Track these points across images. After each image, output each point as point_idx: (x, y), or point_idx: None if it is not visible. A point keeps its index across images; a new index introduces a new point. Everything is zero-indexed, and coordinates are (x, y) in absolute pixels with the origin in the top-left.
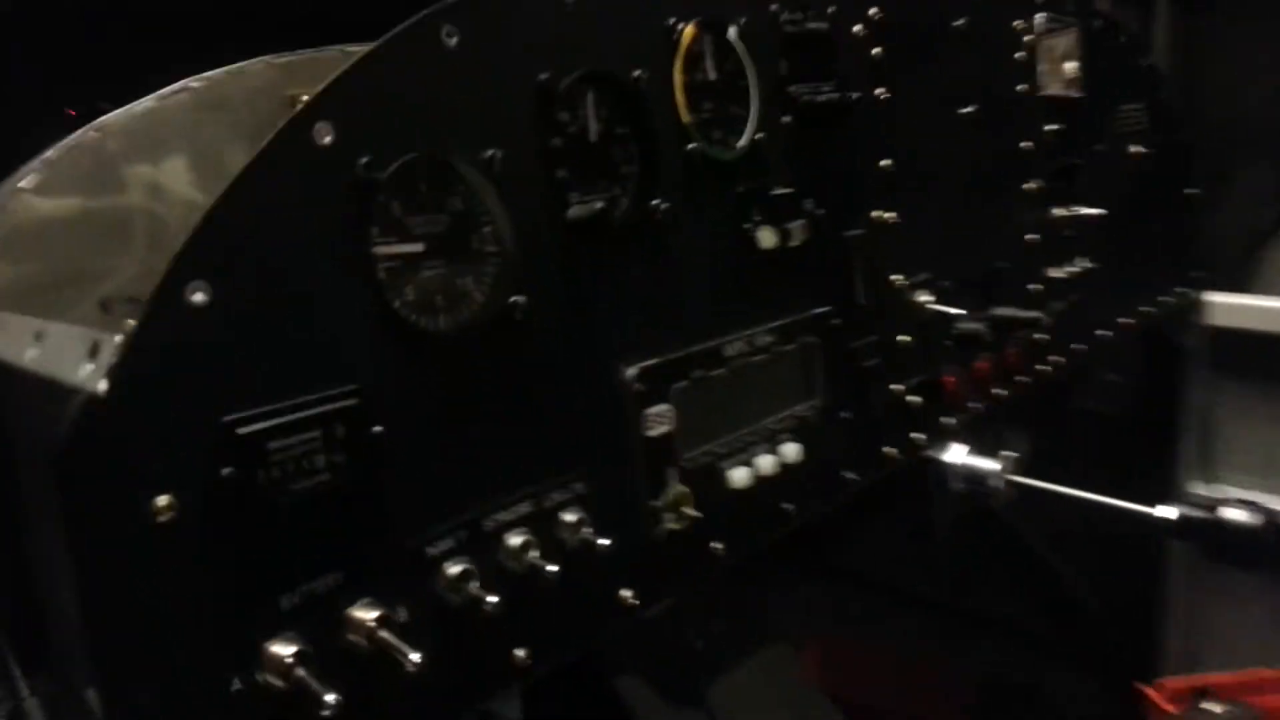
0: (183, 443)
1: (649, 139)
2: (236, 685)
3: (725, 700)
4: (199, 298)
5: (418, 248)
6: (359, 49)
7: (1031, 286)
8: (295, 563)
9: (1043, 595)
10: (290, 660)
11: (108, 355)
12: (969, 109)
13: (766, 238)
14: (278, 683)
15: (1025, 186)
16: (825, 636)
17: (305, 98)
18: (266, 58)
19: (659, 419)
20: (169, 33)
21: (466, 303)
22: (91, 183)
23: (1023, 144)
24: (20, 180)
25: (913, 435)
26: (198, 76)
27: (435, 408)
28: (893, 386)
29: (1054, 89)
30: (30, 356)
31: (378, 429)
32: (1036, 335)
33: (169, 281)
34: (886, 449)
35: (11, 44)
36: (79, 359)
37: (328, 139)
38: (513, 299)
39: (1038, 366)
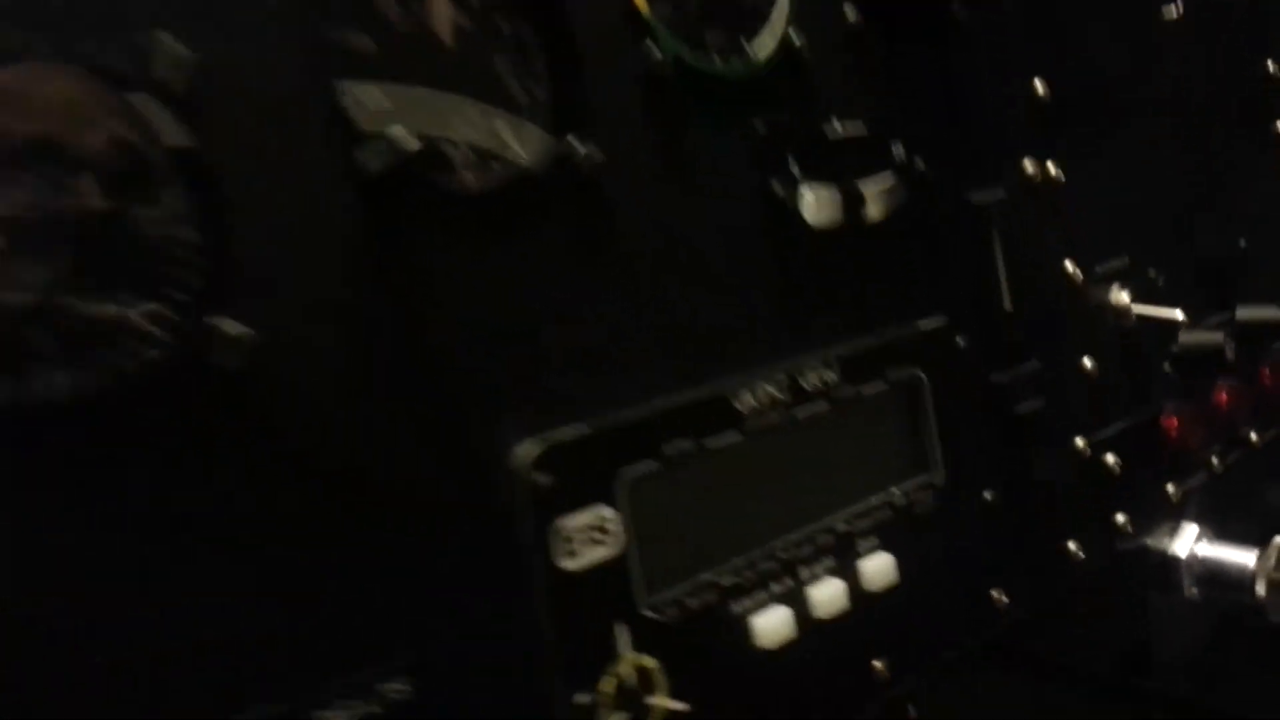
0: None
1: (563, 41)
2: None
3: None
4: None
5: None
6: None
7: None
8: None
9: None
10: None
11: None
12: (1178, 5)
13: (819, 205)
14: None
15: (1277, 126)
16: None
17: None
18: None
19: (590, 535)
20: None
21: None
22: None
23: (1272, 64)
24: None
25: (1115, 517)
26: None
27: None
28: (1075, 441)
29: None
30: None
31: None
32: None
33: None
34: (1069, 544)
35: None
36: None
37: None
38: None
39: None
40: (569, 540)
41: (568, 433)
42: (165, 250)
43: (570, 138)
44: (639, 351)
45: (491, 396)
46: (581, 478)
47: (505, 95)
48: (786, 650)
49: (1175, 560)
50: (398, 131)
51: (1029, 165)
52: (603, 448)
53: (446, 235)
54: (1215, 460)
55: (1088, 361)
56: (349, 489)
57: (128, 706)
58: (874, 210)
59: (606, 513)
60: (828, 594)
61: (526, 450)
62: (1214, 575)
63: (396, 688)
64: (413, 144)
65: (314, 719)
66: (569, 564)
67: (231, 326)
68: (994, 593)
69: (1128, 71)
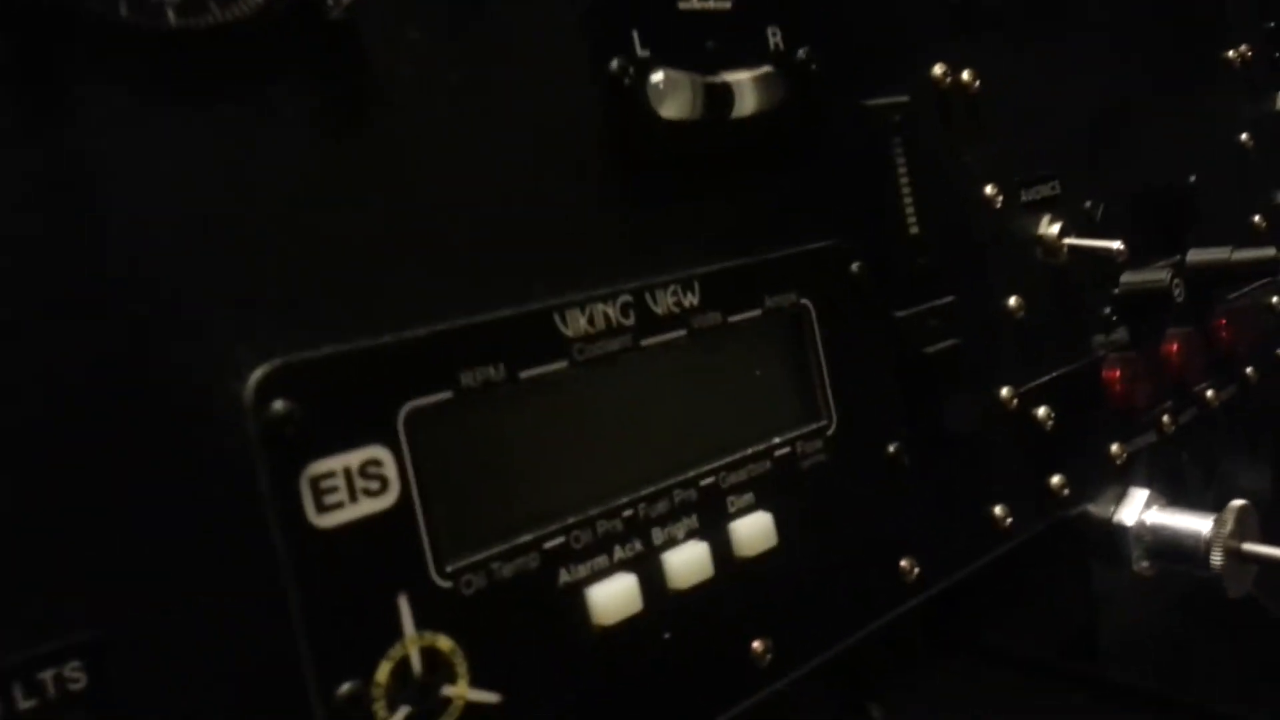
0: None
1: None
2: None
3: None
4: None
5: None
6: None
7: (1255, 218)
8: None
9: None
10: None
11: None
12: None
13: (671, 93)
14: None
15: (1228, 54)
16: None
17: None
18: None
19: (359, 484)
20: None
21: None
22: None
23: None
24: None
25: (1049, 479)
26: None
27: None
28: (998, 391)
29: None
30: None
31: None
32: (1275, 297)
33: None
34: (995, 508)
35: None
36: None
37: None
38: None
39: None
40: (326, 490)
41: (318, 352)
42: None
43: None
44: (421, 262)
45: (214, 315)
46: (342, 410)
47: None
48: (633, 628)
49: (1121, 529)
50: None
51: (938, 68)
52: (370, 372)
53: (135, 93)
54: (1166, 419)
55: (1012, 300)
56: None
57: None
58: (747, 106)
59: (380, 454)
60: (686, 559)
61: (259, 374)
62: (1165, 545)
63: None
64: None
65: None
66: (325, 520)
67: None
68: (902, 562)
69: None
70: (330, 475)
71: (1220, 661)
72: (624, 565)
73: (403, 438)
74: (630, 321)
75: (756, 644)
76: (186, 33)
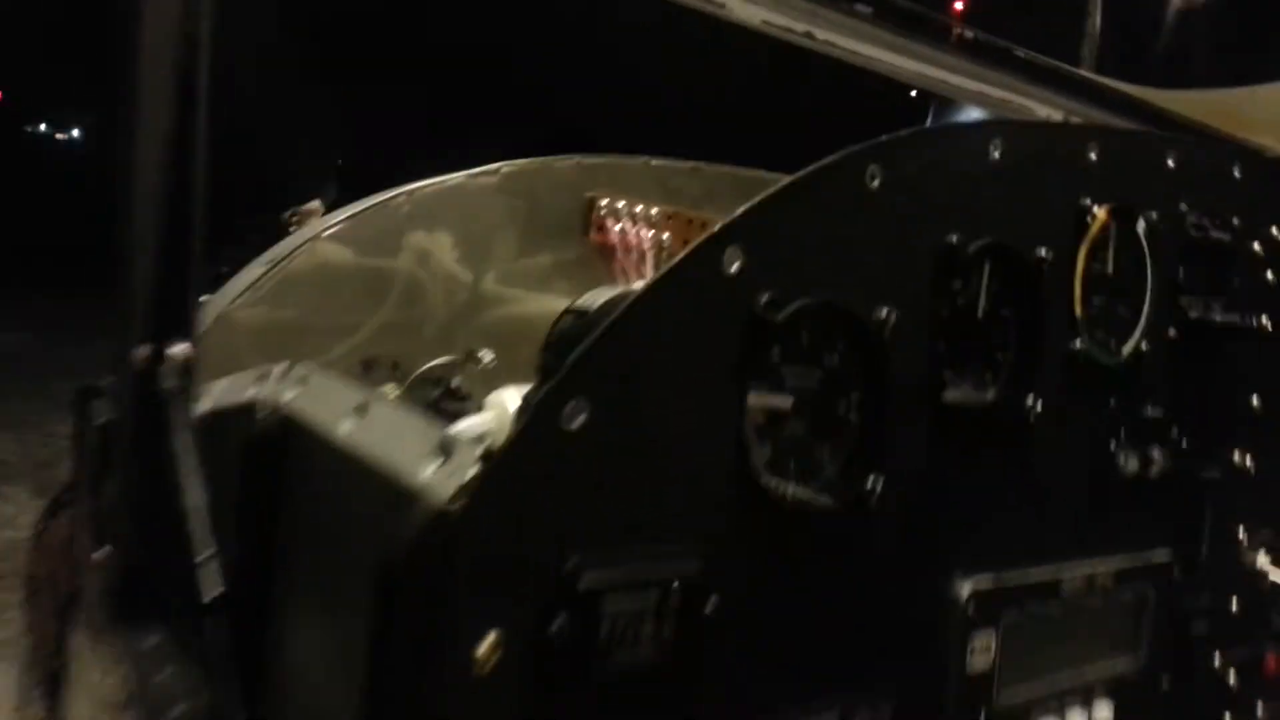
0: (520, 579)
1: (1036, 327)
2: None
3: None
4: (577, 421)
5: (786, 403)
6: (740, 170)
7: None
8: None
9: None
10: None
11: (462, 461)
12: None
13: (1129, 463)
14: None
15: None
16: None
17: (604, 201)
18: (578, 157)
19: (983, 649)
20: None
21: (819, 474)
22: (375, 243)
23: None
24: (326, 228)
25: (1225, 717)
26: (510, 162)
27: (769, 591)
28: (1216, 660)
29: None
30: (348, 430)
31: (712, 603)
32: None
33: (552, 397)
34: None
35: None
36: (422, 455)
37: (735, 267)
38: (871, 479)
39: None
40: (973, 649)
41: (985, 581)
42: None
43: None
44: (1024, 540)
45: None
46: (986, 611)
47: (993, 356)
48: None
49: None
50: None
51: (1239, 456)
52: (999, 595)
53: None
54: None
55: (1235, 603)
56: None
57: None
58: (1155, 470)
59: (990, 638)
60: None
61: (967, 588)
62: None
63: None
64: None
65: None
66: (972, 666)
67: None
68: None
69: None
70: (980, 642)
71: None
72: (1056, 713)
73: (1003, 628)
74: (1086, 587)
75: None
76: None
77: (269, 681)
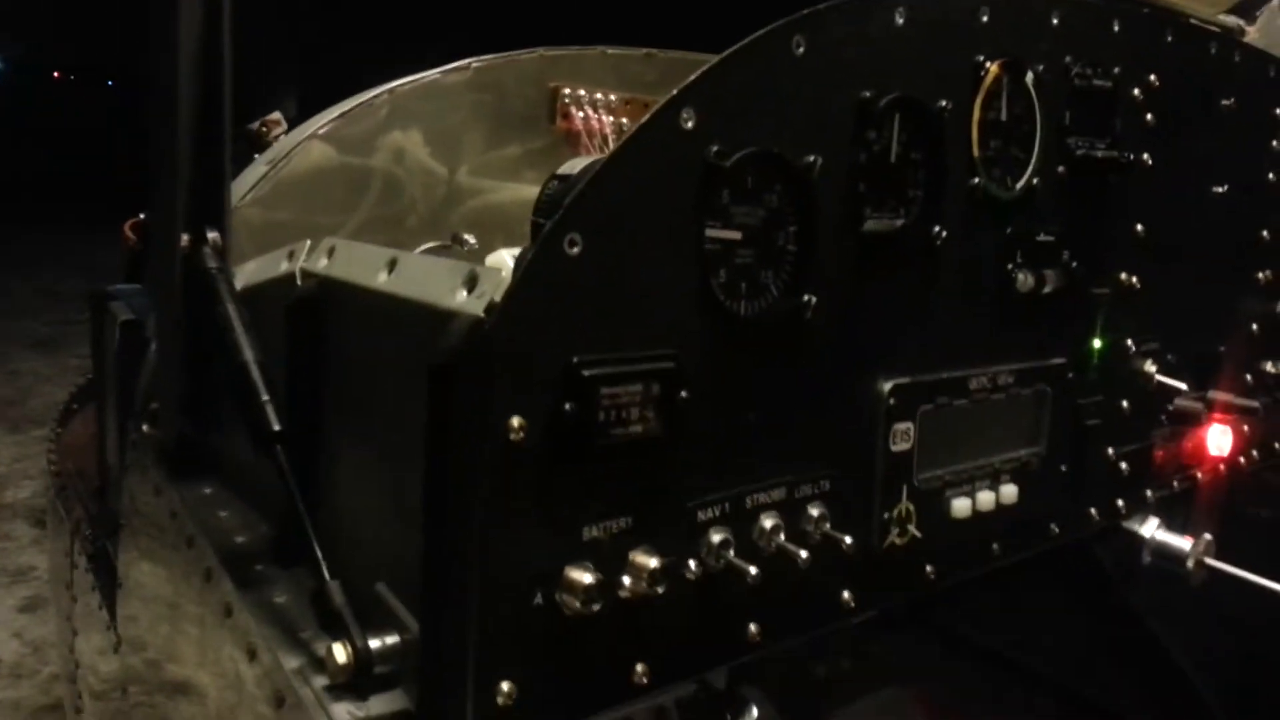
0: (538, 374)
1: (940, 167)
2: (538, 599)
3: None
4: (574, 249)
5: (735, 235)
6: (690, 55)
7: (1246, 376)
8: (601, 500)
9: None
10: (589, 585)
11: (487, 287)
12: (1221, 188)
13: (1024, 281)
14: (573, 604)
15: (1259, 275)
16: (936, 695)
17: (566, 90)
18: (540, 50)
19: (903, 436)
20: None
21: (764, 294)
22: (357, 144)
23: (1264, 232)
24: (317, 126)
25: (1118, 501)
26: (479, 58)
27: (728, 385)
28: (1109, 450)
29: None
30: (383, 281)
31: (684, 395)
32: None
33: (554, 231)
34: (1091, 509)
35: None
36: (453, 287)
37: (690, 124)
38: (806, 297)
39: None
40: (895, 436)
41: (904, 380)
42: None
43: (938, 228)
44: (934, 346)
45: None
46: (905, 404)
47: (905, 194)
48: (963, 522)
49: (1143, 538)
50: None
51: (1125, 275)
52: (915, 391)
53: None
54: (1177, 483)
55: (1124, 402)
56: None
57: None
58: (1048, 287)
59: (908, 426)
60: (985, 498)
61: (888, 385)
62: (1162, 550)
63: None
64: None
65: None
66: (894, 448)
67: None
68: (1050, 524)
69: (1186, 225)
70: (900, 430)
71: None
72: (966, 493)
73: (919, 419)
74: (990, 385)
75: None
76: None
77: (322, 509)
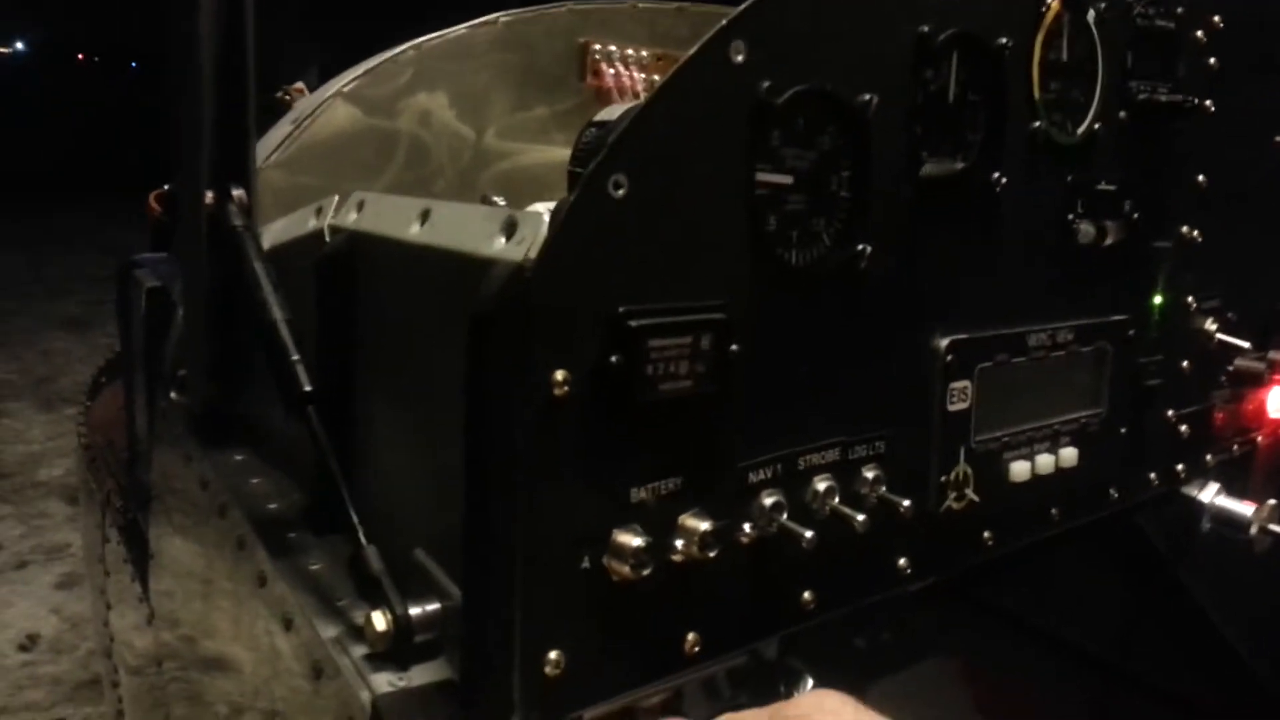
0: (582, 325)
1: (1000, 109)
2: (585, 564)
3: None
4: (619, 191)
5: (787, 179)
6: (724, 9)
7: None
8: (649, 460)
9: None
10: (638, 549)
11: (526, 233)
12: None
13: (1085, 232)
14: (622, 569)
15: None
16: (978, 669)
17: (596, 45)
18: (569, 3)
19: (960, 395)
20: None
21: (817, 243)
22: (383, 104)
23: None
24: (342, 83)
25: (1177, 466)
26: (508, 12)
27: (779, 339)
28: (1169, 412)
29: None
30: (416, 232)
31: (735, 348)
32: None
33: (598, 171)
34: (1151, 473)
35: None
36: (491, 235)
37: (740, 57)
38: (860, 246)
39: None
40: (952, 395)
41: (961, 336)
42: None
43: (997, 173)
44: (994, 300)
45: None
46: (962, 361)
47: (964, 138)
48: (1022, 486)
49: (1203, 503)
50: None
51: (1187, 229)
52: (973, 348)
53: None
54: (1238, 447)
55: (1185, 362)
56: None
57: None
58: (1110, 240)
59: (966, 385)
60: (1045, 461)
61: (944, 342)
62: (1224, 516)
63: None
64: None
65: None
66: (951, 408)
67: None
68: (1110, 489)
69: (1249, 177)
70: (957, 388)
71: None
72: (1026, 456)
73: (977, 377)
74: (1050, 343)
75: None
76: None
77: (356, 473)
